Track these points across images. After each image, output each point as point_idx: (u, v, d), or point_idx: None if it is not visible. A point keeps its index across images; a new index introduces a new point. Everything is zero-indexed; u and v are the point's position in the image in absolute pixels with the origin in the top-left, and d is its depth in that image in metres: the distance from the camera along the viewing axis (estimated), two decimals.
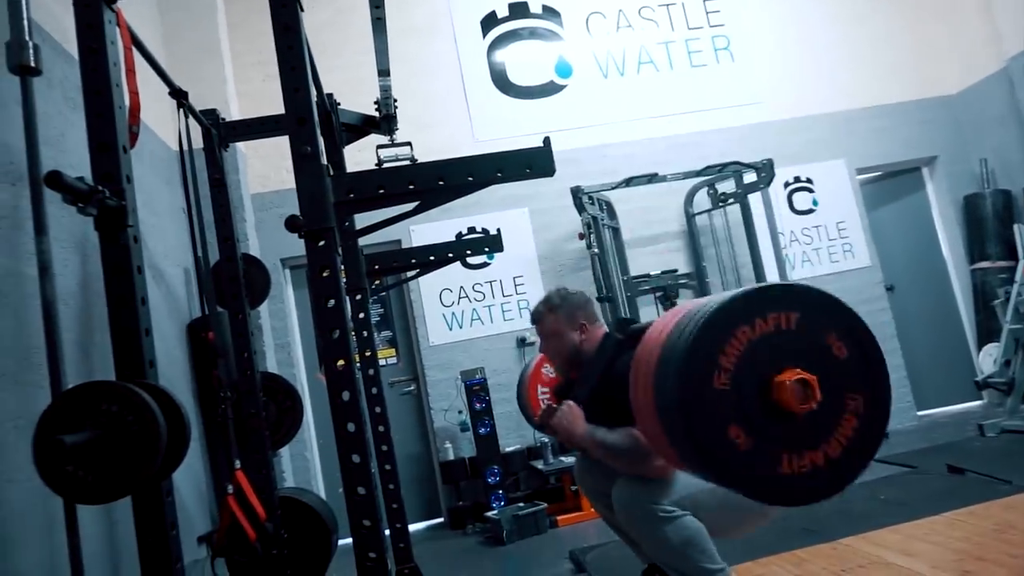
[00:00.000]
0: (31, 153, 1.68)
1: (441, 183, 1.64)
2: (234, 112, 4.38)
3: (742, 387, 1.26)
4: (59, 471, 1.31)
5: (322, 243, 1.52)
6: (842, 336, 1.32)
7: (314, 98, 1.63)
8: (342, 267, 2.91)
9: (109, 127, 1.58)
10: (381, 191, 1.62)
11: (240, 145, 4.49)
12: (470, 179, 1.65)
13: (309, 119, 1.55)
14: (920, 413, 5.53)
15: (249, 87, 4.74)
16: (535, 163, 1.66)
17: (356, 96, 3.58)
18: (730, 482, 1.29)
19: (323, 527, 3.00)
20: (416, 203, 1.81)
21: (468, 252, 3.44)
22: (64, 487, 1.33)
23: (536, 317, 2.35)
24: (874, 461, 4.16)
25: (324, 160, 1.81)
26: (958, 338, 5.84)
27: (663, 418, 1.36)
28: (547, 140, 1.68)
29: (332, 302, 1.52)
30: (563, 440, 2.16)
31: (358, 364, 2.91)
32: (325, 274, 1.52)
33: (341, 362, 1.52)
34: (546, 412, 2.16)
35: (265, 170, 4.88)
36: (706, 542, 1.95)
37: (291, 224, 1.54)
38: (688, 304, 1.45)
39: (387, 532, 2.98)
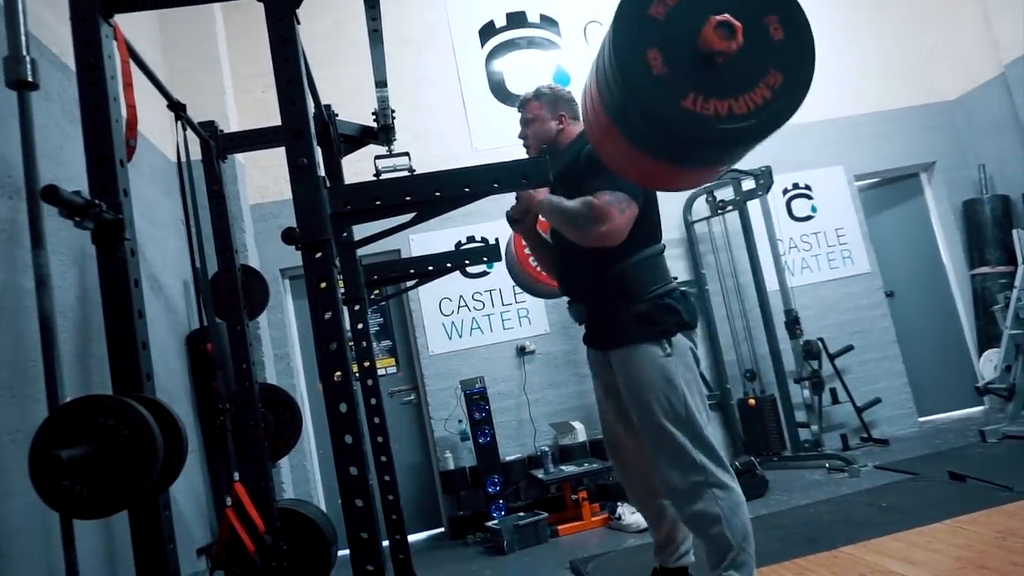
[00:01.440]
0: (28, 167, 1.68)
1: (438, 194, 1.65)
2: (233, 123, 4.40)
3: (673, 21, 1.36)
4: (55, 486, 1.31)
5: (319, 255, 1.52)
6: (784, 22, 1.40)
7: (311, 110, 1.63)
8: (340, 278, 2.92)
9: (106, 141, 1.58)
10: (378, 203, 1.62)
11: (239, 156, 4.51)
12: (467, 190, 1.65)
13: (306, 131, 1.55)
14: (921, 419, 5.52)
15: (248, 98, 4.76)
16: (531, 174, 1.66)
17: (354, 107, 3.59)
18: (634, 100, 1.37)
19: (322, 539, 2.99)
20: (413, 214, 1.81)
21: (467, 262, 3.43)
22: (60, 502, 1.33)
23: (523, 102, 2.47)
24: (875, 468, 4.13)
25: (322, 172, 1.81)
26: (958, 344, 5.84)
27: (606, 99, 1.45)
28: (544, 150, 1.68)
29: (329, 314, 1.52)
30: (525, 206, 2.24)
31: (356, 375, 2.91)
32: (322, 286, 1.52)
33: (339, 374, 1.52)
34: (516, 197, 2.28)
35: (264, 181, 4.89)
36: (748, 523, 2.03)
37: (288, 236, 1.54)
38: None
39: (387, 543, 2.97)
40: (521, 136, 2.49)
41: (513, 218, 2.36)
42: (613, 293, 2.14)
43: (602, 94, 1.47)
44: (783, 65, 1.39)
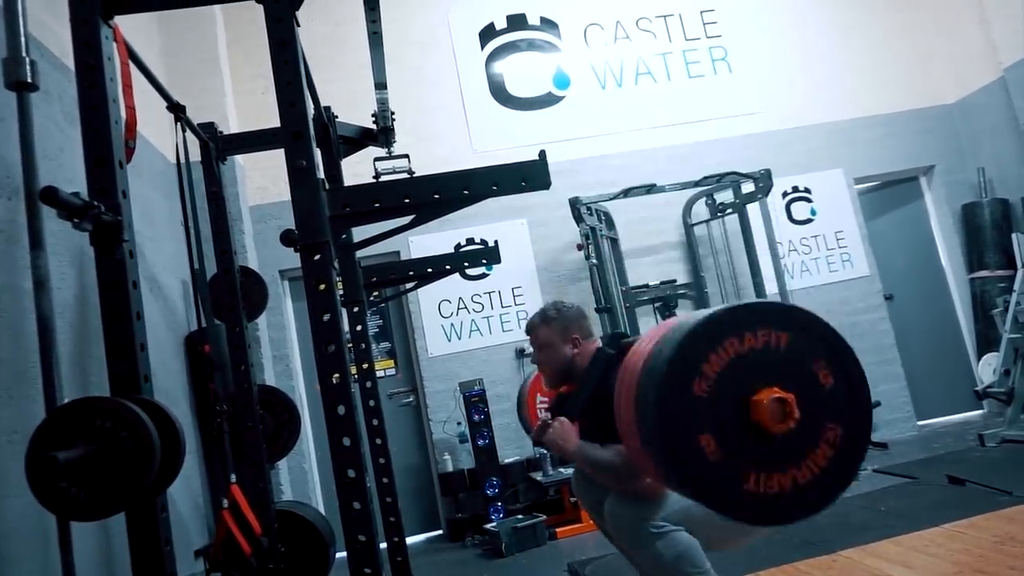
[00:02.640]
0: (27, 167, 1.68)
1: (437, 197, 1.65)
2: (233, 125, 4.40)
3: (721, 398, 1.25)
4: (52, 488, 1.31)
5: (317, 257, 1.52)
6: (831, 364, 1.30)
7: (311, 112, 1.63)
8: (339, 280, 2.92)
9: (105, 142, 1.58)
10: (377, 205, 1.62)
11: (239, 157, 4.51)
12: (466, 193, 1.65)
13: (305, 134, 1.55)
14: (920, 423, 5.51)
15: (249, 99, 4.76)
16: (531, 176, 1.67)
17: (355, 109, 3.59)
18: (692, 490, 1.28)
19: (320, 541, 2.98)
20: (412, 216, 1.81)
21: (466, 264, 3.44)
22: (57, 504, 1.33)
23: (530, 328, 2.35)
24: (874, 471, 4.12)
25: (321, 174, 1.81)
26: (957, 347, 5.84)
27: (640, 420, 1.35)
28: (543, 153, 1.68)
29: (328, 316, 1.52)
30: (556, 455, 2.19)
31: (355, 377, 2.91)
32: (321, 288, 1.52)
33: (337, 376, 1.52)
34: (540, 429, 2.17)
35: (264, 182, 4.89)
36: (699, 556, 1.94)
37: (286, 238, 1.54)
38: (679, 317, 1.45)
39: (385, 546, 2.96)
40: (534, 361, 2.40)
41: (538, 443, 2.30)
42: None
43: (650, 452, 1.35)
44: (838, 414, 1.28)
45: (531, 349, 2.41)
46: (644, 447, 1.37)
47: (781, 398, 1.23)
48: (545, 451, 4.53)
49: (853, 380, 1.30)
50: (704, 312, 1.33)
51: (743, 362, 1.26)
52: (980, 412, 5.67)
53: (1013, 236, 4.98)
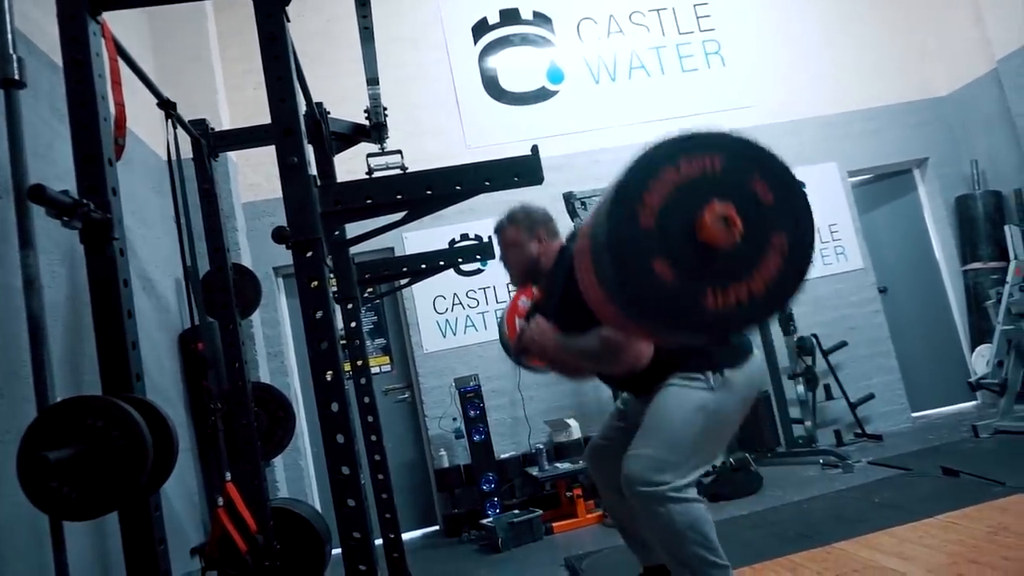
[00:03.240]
0: (16, 165, 1.67)
1: (429, 193, 1.64)
2: (225, 121, 4.38)
3: (667, 224, 1.29)
4: (43, 487, 1.30)
5: (310, 254, 1.51)
6: (768, 181, 1.36)
7: (302, 108, 1.62)
8: (332, 277, 2.91)
9: (94, 139, 1.57)
10: (369, 201, 1.62)
11: (231, 154, 4.48)
12: (458, 188, 1.65)
13: (296, 130, 1.54)
14: (914, 415, 5.54)
15: (240, 95, 4.73)
16: (523, 172, 1.66)
17: (347, 104, 3.58)
18: (660, 319, 1.32)
19: (316, 538, 2.98)
20: (405, 212, 1.81)
21: (460, 260, 3.43)
22: (49, 504, 1.32)
23: (498, 228, 2.40)
24: (868, 463, 4.14)
25: (313, 170, 1.80)
26: (951, 339, 5.86)
27: (597, 268, 1.38)
28: (535, 148, 1.68)
29: (321, 313, 1.51)
30: (539, 356, 2.18)
31: (349, 373, 2.91)
32: (313, 285, 1.52)
33: (330, 373, 1.51)
34: (518, 338, 2.19)
35: (257, 179, 4.87)
36: (710, 532, 1.94)
37: (278, 235, 1.53)
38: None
39: (381, 542, 2.96)
40: (501, 260, 2.44)
41: (520, 351, 2.30)
42: (663, 369, 2.06)
43: (610, 295, 1.39)
44: (783, 223, 1.34)
45: (499, 248, 2.42)
46: (607, 296, 1.40)
47: (723, 213, 1.27)
48: (542, 443, 4.54)
49: (790, 190, 1.37)
50: (635, 154, 1.38)
51: (683, 190, 1.31)
52: (974, 403, 5.70)
53: (1006, 228, 4.99)
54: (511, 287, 2.68)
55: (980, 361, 4.99)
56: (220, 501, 2.52)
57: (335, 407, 1.49)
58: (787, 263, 1.32)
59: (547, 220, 2.37)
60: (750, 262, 1.30)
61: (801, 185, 1.38)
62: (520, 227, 2.33)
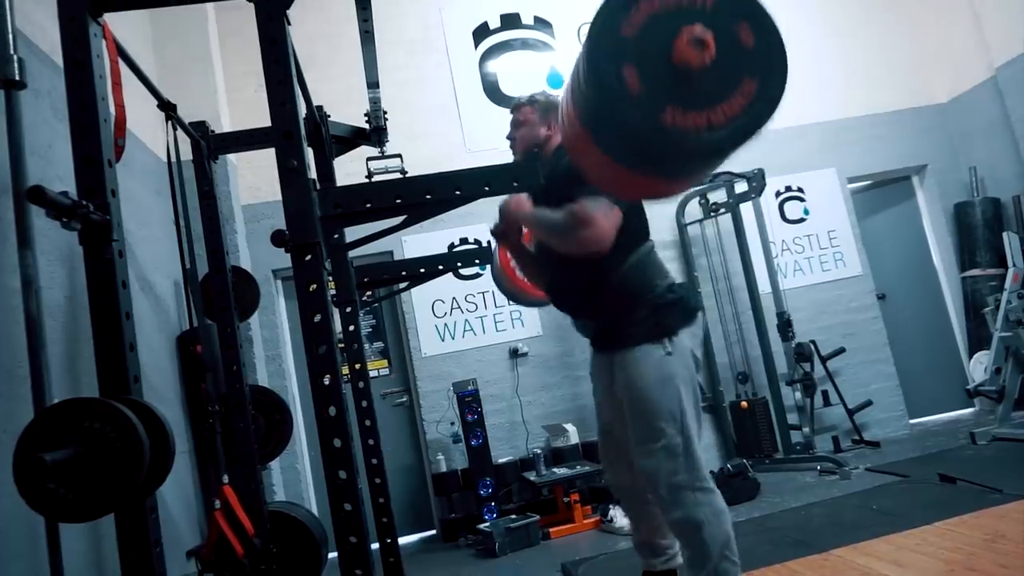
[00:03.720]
0: (15, 166, 1.67)
1: (428, 197, 1.64)
2: (226, 123, 4.38)
3: (647, 37, 1.34)
4: (40, 489, 1.30)
5: (308, 257, 1.51)
6: (754, 27, 1.39)
7: (303, 112, 1.62)
8: (331, 280, 2.91)
9: (94, 141, 1.57)
10: (368, 205, 1.62)
11: (231, 156, 4.49)
12: (458, 193, 1.65)
13: (296, 133, 1.55)
14: (912, 421, 5.54)
15: (241, 96, 4.74)
16: (522, 177, 1.67)
17: (349, 106, 3.57)
18: (611, 118, 1.37)
19: (312, 541, 2.97)
20: (404, 217, 1.81)
21: (459, 265, 3.43)
22: (45, 505, 1.31)
23: (515, 105, 2.48)
24: (866, 470, 4.13)
25: (313, 173, 1.80)
26: (949, 346, 5.86)
27: (573, 79, 1.44)
28: (534, 154, 1.68)
29: (319, 317, 1.51)
30: (509, 219, 2.25)
31: (347, 377, 2.90)
32: (312, 289, 1.52)
33: (328, 377, 1.51)
34: (500, 207, 2.26)
35: (257, 181, 4.87)
36: (729, 527, 2.00)
37: (277, 239, 1.54)
38: None
39: (377, 546, 2.95)
40: (509, 137, 2.50)
41: (498, 232, 2.35)
42: (616, 301, 2.14)
43: (579, 109, 1.46)
44: (757, 71, 1.38)
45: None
46: (575, 99, 1.45)
47: (699, 36, 1.32)
48: (539, 448, 4.53)
49: (772, 42, 1.40)
50: None
51: (671, 12, 1.36)
52: (972, 410, 5.70)
53: (1004, 235, 5.00)
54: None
55: (978, 368, 4.99)
56: (217, 504, 2.52)
57: (332, 411, 1.49)
58: (750, 107, 1.37)
59: None
60: (715, 95, 1.35)
61: (783, 42, 1.42)
62: (537, 108, 2.41)
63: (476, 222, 4.94)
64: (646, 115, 1.33)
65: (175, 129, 2.62)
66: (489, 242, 3.49)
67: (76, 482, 1.31)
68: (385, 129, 3.06)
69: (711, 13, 1.36)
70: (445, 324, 5.04)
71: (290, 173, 1.53)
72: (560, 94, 2.45)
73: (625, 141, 1.41)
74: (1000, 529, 2.76)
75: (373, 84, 2.96)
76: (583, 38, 5.44)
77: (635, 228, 2.17)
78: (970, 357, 5.43)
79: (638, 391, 2.06)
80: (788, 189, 5.64)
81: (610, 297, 2.14)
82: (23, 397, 1.97)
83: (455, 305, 5.07)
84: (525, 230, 2.37)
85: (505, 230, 2.32)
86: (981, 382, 4.71)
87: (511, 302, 4.96)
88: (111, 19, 1.77)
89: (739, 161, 5.22)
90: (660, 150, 1.40)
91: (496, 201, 2.26)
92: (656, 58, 1.33)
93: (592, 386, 2.41)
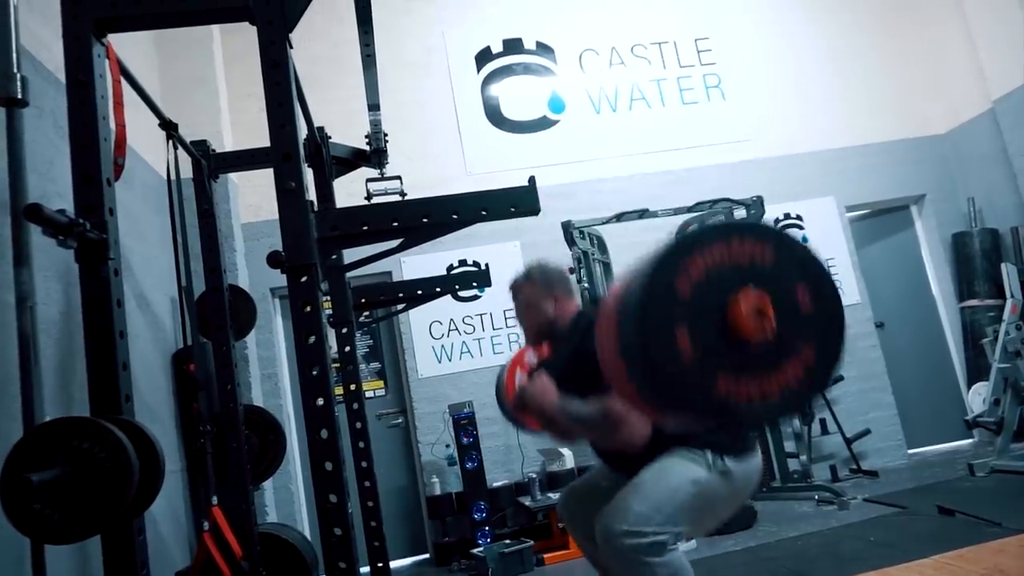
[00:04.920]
0: (14, 183, 1.67)
1: (425, 220, 1.64)
2: (228, 143, 4.40)
3: (702, 297, 1.26)
4: (25, 510, 1.28)
5: (304, 279, 1.51)
6: (813, 293, 1.33)
7: (303, 134, 1.63)
8: (327, 299, 2.90)
9: (94, 159, 1.57)
10: (365, 228, 1.62)
11: (232, 175, 4.51)
12: (455, 217, 1.65)
13: (295, 156, 1.56)
14: (911, 451, 5.50)
15: (244, 117, 4.76)
16: (520, 202, 1.67)
17: (350, 128, 3.60)
18: (667, 388, 1.29)
19: (303, 565, 2.94)
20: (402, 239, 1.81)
21: (457, 287, 3.43)
22: (30, 526, 1.30)
23: (514, 286, 2.37)
24: (864, 500, 4.09)
25: (313, 195, 1.81)
26: (948, 375, 5.84)
27: (621, 324, 1.36)
28: (532, 179, 1.69)
29: (313, 339, 1.51)
30: (535, 415, 2.13)
31: (342, 398, 2.89)
32: (307, 310, 1.51)
33: (321, 400, 1.50)
34: (518, 393, 2.12)
35: (257, 200, 4.88)
36: None
37: (273, 260, 1.54)
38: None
39: (368, 570, 2.92)
40: (517, 318, 2.41)
41: (516, 409, 2.28)
42: (661, 451, 2.00)
43: (626, 360, 1.37)
44: (813, 338, 1.31)
45: (513, 305, 2.38)
46: (621, 348, 1.37)
47: (759, 305, 1.25)
48: (535, 472, 4.50)
49: (832, 307, 1.34)
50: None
51: (727, 269, 1.29)
52: (970, 441, 5.66)
53: (1002, 266, 5.00)
54: (520, 341, 2.63)
55: (977, 399, 4.96)
56: (206, 525, 2.49)
57: (324, 434, 1.48)
58: (807, 376, 1.29)
59: (564, 279, 2.33)
60: (772, 362, 1.27)
61: (842, 310, 1.35)
62: (537, 285, 2.29)
63: (475, 244, 4.95)
64: (699, 384, 1.25)
65: (176, 148, 2.63)
66: (487, 265, 3.49)
67: (63, 503, 1.30)
68: (385, 151, 3.08)
69: (770, 271, 1.30)
70: (442, 346, 5.02)
71: (288, 194, 1.53)
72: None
73: (672, 402, 1.33)
74: (999, 564, 2.73)
75: (374, 107, 2.98)
76: (585, 64, 5.52)
77: None
78: (969, 387, 5.41)
79: (652, 467, 1.95)
80: (787, 216, 5.66)
81: (651, 453, 2.00)
82: (14, 415, 1.95)
83: (452, 327, 5.06)
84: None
85: (524, 411, 2.18)
86: (980, 413, 4.68)
87: (510, 320, 4.98)
88: (115, 39, 1.79)
89: (738, 188, 5.26)
90: (708, 420, 1.35)
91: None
92: (711, 319, 1.26)
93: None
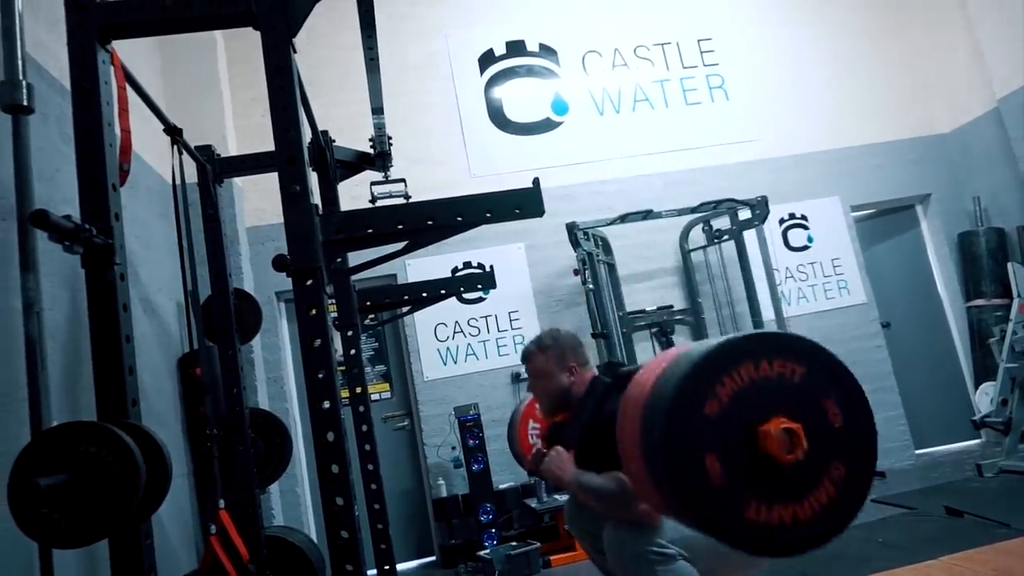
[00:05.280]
0: (20, 189, 1.68)
1: (430, 223, 1.65)
2: (232, 147, 4.42)
3: (730, 421, 1.24)
4: (33, 514, 1.29)
5: (310, 282, 1.52)
6: (842, 404, 1.30)
7: (307, 138, 1.64)
8: (333, 302, 2.91)
9: (99, 165, 1.58)
10: (370, 230, 1.63)
11: (237, 179, 4.52)
12: (459, 219, 1.65)
13: (299, 159, 1.56)
14: (918, 452, 5.47)
15: (249, 122, 4.78)
16: (524, 204, 1.67)
17: (355, 131, 3.61)
18: (694, 514, 1.26)
19: (309, 567, 2.94)
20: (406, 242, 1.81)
21: (461, 289, 3.43)
22: (38, 530, 1.31)
23: (526, 356, 2.33)
24: (872, 501, 4.06)
25: (317, 199, 1.81)
26: (955, 376, 5.81)
27: (645, 438, 1.34)
28: (536, 181, 1.69)
29: (319, 342, 1.51)
30: (551, 482, 2.13)
31: (347, 400, 2.89)
32: (312, 313, 1.52)
33: (327, 403, 1.51)
34: (535, 457, 2.14)
35: (262, 204, 4.90)
36: None
37: (278, 263, 1.54)
38: (687, 345, 1.44)
39: (375, 573, 2.92)
40: (529, 390, 2.40)
41: (532, 472, 2.28)
42: None
43: (651, 477, 1.35)
44: (844, 454, 1.28)
45: (526, 373, 2.38)
46: (647, 467, 1.34)
47: (790, 428, 1.22)
48: (539, 479, 4.50)
49: (863, 421, 1.30)
50: (722, 338, 1.33)
51: (757, 389, 1.26)
52: (978, 441, 5.63)
53: (1009, 265, 4.97)
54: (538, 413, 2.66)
55: (984, 399, 4.94)
56: (213, 529, 2.49)
57: (331, 437, 1.48)
58: (839, 496, 1.26)
59: (577, 347, 2.30)
60: (804, 484, 1.25)
61: (873, 422, 1.32)
62: (550, 356, 2.25)
63: (480, 246, 4.96)
64: (728, 510, 1.22)
65: (181, 153, 2.64)
66: (492, 267, 3.49)
67: (70, 507, 1.30)
68: (389, 154, 3.09)
69: (799, 387, 1.28)
70: (447, 348, 5.02)
71: (292, 198, 1.54)
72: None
73: (699, 524, 1.28)
74: (1007, 565, 2.72)
75: (378, 110, 2.99)
76: (588, 66, 5.52)
77: None
78: (976, 387, 5.39)
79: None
80: (792, 217, 5.65)
81: None
82: (22, 420, 1.96)
83: (458, 329, 5.06)
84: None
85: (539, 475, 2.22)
86: (987, 413, 4.66)
87: (515, 322, 4.98)
88: (120, 45, 1.80)
89: (743, 189, 5.25)
90: (739, 544, 1.28)
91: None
92: (741, 443, 1.24)
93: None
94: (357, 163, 3.13)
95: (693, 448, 1.23)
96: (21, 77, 1.63)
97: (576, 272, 4.82)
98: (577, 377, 2.24)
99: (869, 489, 1.30)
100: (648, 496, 1.45)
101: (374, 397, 4.96)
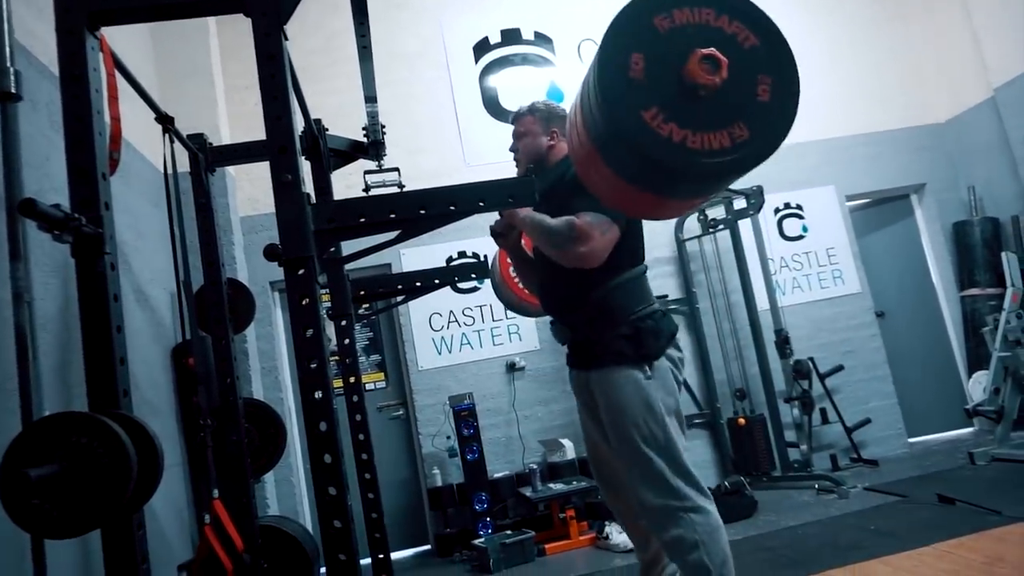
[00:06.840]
0: (9, 179, 1.66)
1: (423, 212, 1.64)
2: (225, 135, 4.39)
3: (656, 74, 1.36)
4: (24, 505, 1.28)
5: (301, 272, 1.50)
6: (748, 25, 1.43)
7: (299, 126, 1.62)
8: (326, 292, 2.90)
9: (88, 154, 1.56)
10: (362, 220, 1.61)
11: (230, 168, 4.49)
12: (452, 208, 1.64)
13: (290, 148, 1.55)
14: (911, 440, 5.50)
15: (241, 110, 4.75)
16: (517, 193, 1.66)
17: (348, 120, 3.58)
18: (650, 163, 1.37)
19: (304, 557, 2.95)
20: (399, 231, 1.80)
21: (456, 278, 3.42)
22: (29, 521, 1.30)
23: (517, 116, 2.47)
24: (864, 489, 4.11)
25: (310, 188, 1.80)
26: (948, 364, 5.84)
27: (590, 126, 1.44)
28: (530, 170, 1.68)
29: (311, 331, 1.50)
30: (508, 221, 2.26)
31: (341, 390, 2.89)
32: (304, 303, 1.51)
33: (319, 392, 1.50)
34: (504, 215, 2.26)
35: (255, 193, 4.88)
36: (726, 545, 1.97)
37: (270, 253, 1.53)
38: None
39: (369, 562, 2.93)
40: (512, 149, 2.51)
41: (497, 232, 2.36)
42: (596, 315, 2.12)
43: (588, 125, 1.46)
44: (753, 124, 1.40)
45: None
46: (584, 115, 1.45)
47: (715, 58, 1.33)
48: (535, 463, 4.51)
49: (771, 34, 1.47)
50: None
51: (669, 38, 1.38)
52: (971, 430, 5.67)
53: (1003, 255, 5.00)
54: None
55: (977, 387, 4.97)
56: (207, 519, 2.49)
57: (323, 427, 1.47)
58: (774, 103, 1.42)
59: (565, 117, 2.37)
60: (739, 104, 1.37)
61: (777, 28, 1.47)
62: (538, 118, 2.39)
63: (474, 236, 4.94)
64: (632, 104, 1.34)
65: (172, 142, 2.61)
66: (486, 256, 3.48)
67: (61, 498, 1.30)
68: (383, 143, 3.06)
69: (706, 26, 1.39)
70: (442, 337, 5.02)
71: (284, 187, 1.53)
72: (563, 104, 2.47)
73: (634, 160, 1.40)
74: (999, 552, 2.74)
75: (371, 98, 2.96)
76: (584, 54, 5.49)
77: (629, 249, 2.16)
78: (969, 376, 5.42)
79: (622, 419, 2.03)
80: (787, 206, 5.64)
81: (588, 312, 2.13)
82: (13, 410, 1.95)
83: (452, 318, 5.05)
84: (524, 236, 2.36)
85: (504, 230, 2.31)
86: (980, 402, 4.69)
87: (509, 312, 4.97)
88: (111, 32, 1.78)
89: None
90: (670, 172, 1.40)
91: (495, 215, 2.27)
92: (669, 61, 1.35)
93: (576, 402, 2.39)
94: (350, 152, 3.11)
95: (626, 42, 1.37)
96: (9, 64, 1.62)
97: None
98: (557, 143, 2.36)
99: (798, 91, 1.49)
100: (589, 161, 1.54)
101: (369, 387, 4.96)
